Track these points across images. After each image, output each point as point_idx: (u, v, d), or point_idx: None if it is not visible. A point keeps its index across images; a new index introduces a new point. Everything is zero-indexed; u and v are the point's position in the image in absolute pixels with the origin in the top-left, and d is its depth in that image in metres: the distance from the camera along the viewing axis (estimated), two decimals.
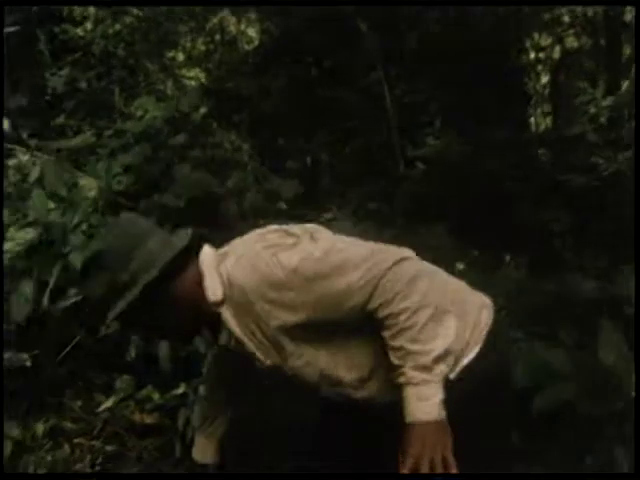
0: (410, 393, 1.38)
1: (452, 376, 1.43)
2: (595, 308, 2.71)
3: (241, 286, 1.41)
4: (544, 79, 5.96)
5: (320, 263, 1.39)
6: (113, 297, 1.43)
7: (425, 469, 1.37)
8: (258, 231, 1.52)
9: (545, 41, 6.43)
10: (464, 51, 4.51)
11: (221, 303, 1.44)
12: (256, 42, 7.92)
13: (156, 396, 2.48)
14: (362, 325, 1.44)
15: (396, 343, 1.37)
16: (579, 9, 5.85)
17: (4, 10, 2.96)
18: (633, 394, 2.05)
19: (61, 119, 3.35)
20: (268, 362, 1.49)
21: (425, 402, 1.37)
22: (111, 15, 3.51)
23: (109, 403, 2.50)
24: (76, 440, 2.55)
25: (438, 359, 1.38)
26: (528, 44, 5.89)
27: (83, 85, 3.30)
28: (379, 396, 1.51)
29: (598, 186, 4.51)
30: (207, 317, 1.49)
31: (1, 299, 2.52)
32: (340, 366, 1.48)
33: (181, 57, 6.88)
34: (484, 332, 1.50)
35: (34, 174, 2.68)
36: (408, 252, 1.44)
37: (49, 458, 2.49)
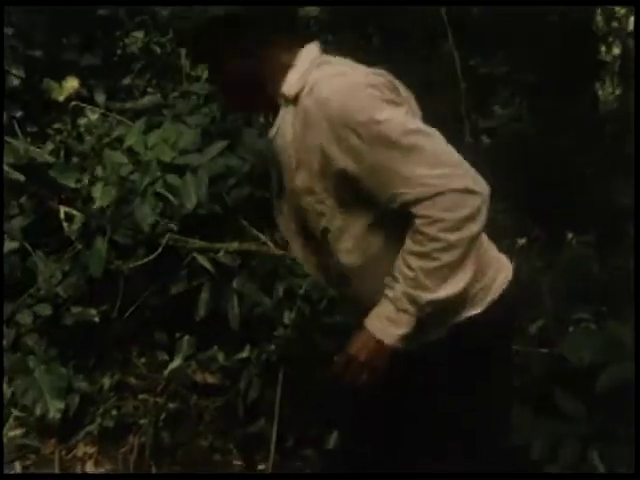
0: (387, 309, 1.35)
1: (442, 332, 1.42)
2: None
3: (319, 101, 1.29)
4: (616, 50, 5.71)
5: (406, 135, 1.27)
6: None
7: (349, 375, 1.39)
8: (373, 69, 1.39)
9: (619, 11, 6.17)
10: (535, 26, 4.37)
11: (289, 100, 1.35)
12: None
13: (221, 357, 2.50)
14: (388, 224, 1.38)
15: (410, 260, 1.30)
16: None
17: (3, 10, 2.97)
18: None
19: (128, 80, 3.35)
20: (297, 183, 1.38)
21: (392, 325, 1.34)
22: None
23: (175, 364, 2.53)
24: (141, 396, 2.60)
25: (430, 303, 1.32)
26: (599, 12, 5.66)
27: (156, 49, 3.28)
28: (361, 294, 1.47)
29: None
30: (267, 104, 1.44)
31: (1, 299, 2.57)
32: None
33: None
34: (490, 297, 1.47)
35: (115, 133, 2.72)
36: (482, 185, 1.31)
37: (114, 412, 2.55)
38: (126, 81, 3.33)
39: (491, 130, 3.92)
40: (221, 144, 2.71)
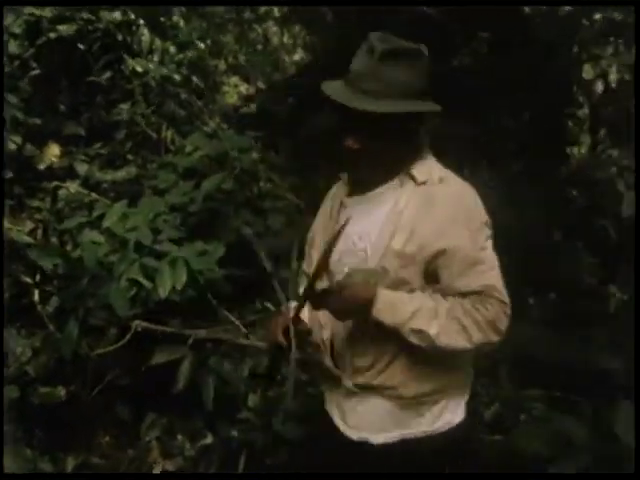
0: (412, 301, 1.50)
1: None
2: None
3: (450, 192, 1.54)
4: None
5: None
6: None
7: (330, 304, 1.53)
8: None
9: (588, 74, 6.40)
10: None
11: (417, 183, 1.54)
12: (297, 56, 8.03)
13: (187, 445, 2.55)
14: None
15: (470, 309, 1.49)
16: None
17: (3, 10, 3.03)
18: None
19: (107, 149, 3.42)
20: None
21: (394, 308, 1.49)
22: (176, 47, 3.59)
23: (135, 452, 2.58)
24: None
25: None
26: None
27: (139, 119, 3.36)
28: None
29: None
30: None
31: (1, 298, 2.58)
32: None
33: (223, 66, 6.96)
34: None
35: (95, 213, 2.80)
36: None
37: None
38: (106, 150, 3.40)
39: None
40: (201, 245, 2.79)
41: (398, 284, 1.51)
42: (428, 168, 1.56)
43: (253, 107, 5.85)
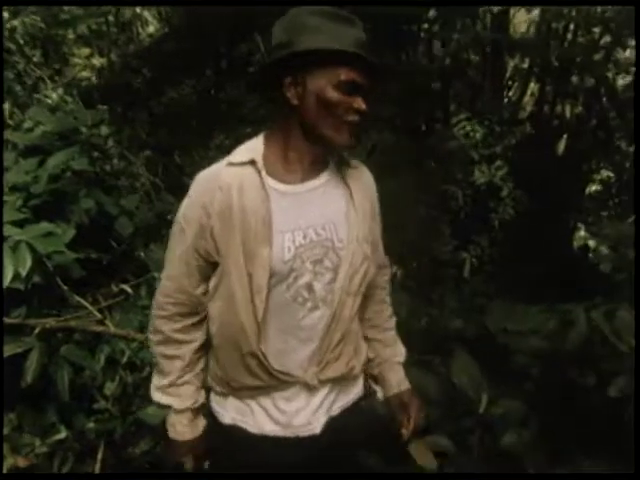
0: (399, 369, 1.74)
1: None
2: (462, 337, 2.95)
3: (369, 175, 1.61)
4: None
5: None
6: None
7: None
8: None
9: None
10: None
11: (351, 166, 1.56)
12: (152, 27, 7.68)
13: (37, 442, 2.39)
14: None
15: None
16: None
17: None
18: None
19: None
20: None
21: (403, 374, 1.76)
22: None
23: None
24: None
25: None
26: None
27: None
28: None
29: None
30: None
31: (1, 295, 2.39)
32: None
33: (71, 35, 6.51)
34: None
35: None
36: None
37: None
38: None
39: None
40: (47, 226, 2.59)
41: (374, 269, 1.57)
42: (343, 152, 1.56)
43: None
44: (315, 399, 1.53)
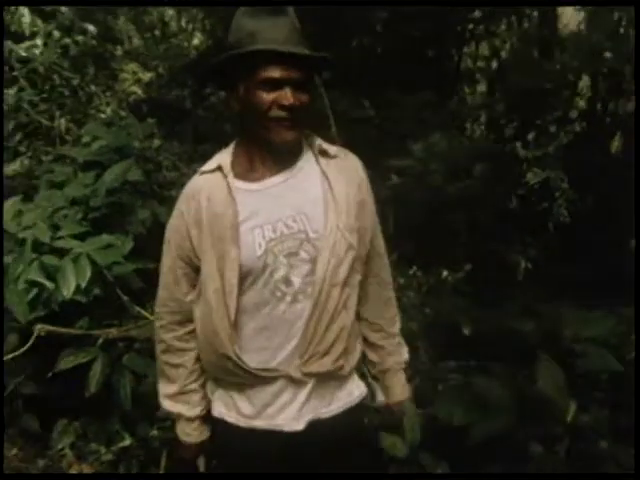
0: (401, 377, 1.72)
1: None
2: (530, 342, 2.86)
3: (357, 165, 1.58)
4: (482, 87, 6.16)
5: None
6: None
7: None
8: None
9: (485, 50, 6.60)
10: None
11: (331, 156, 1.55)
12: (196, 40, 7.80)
13: (102, 449, 2.43)
14: None
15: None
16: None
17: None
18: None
19: None
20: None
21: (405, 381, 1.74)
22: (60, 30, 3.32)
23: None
24: None
25: None
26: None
27: (26, 106, 3.12)
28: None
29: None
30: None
31: (1, 298, 2.42)
32: None
33: (119, 51, 6.65)
34: None
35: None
36: None
37: None
38: None
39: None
40: (106, 238, 2.64)
41: (357, 258, 1.52)
42: (324, 141, 1.55)
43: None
44: (300, 395, 1.52)
